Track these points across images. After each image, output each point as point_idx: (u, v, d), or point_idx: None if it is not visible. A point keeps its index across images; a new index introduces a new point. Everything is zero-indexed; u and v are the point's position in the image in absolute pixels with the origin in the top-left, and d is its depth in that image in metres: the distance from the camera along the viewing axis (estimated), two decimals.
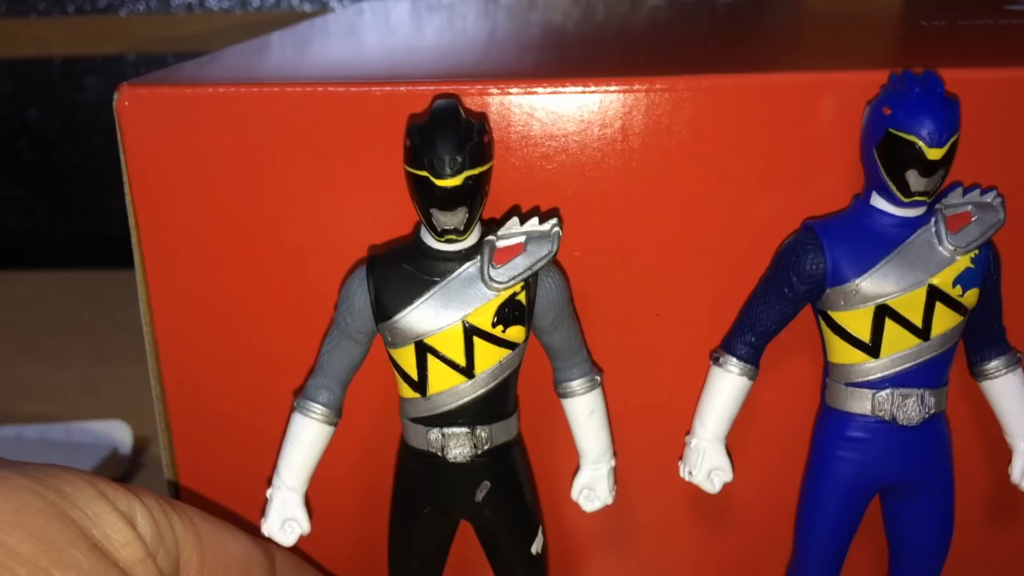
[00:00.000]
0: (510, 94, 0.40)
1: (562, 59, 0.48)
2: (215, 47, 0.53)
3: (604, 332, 0.42)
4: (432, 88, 0.39)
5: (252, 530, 0.39)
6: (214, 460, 0.45)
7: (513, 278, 0.37)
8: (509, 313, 0.38)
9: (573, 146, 0.40)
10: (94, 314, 0.92)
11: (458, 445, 0.39)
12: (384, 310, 0.38)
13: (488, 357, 0.38)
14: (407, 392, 0.39)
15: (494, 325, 0.37)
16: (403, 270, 0.38)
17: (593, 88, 0.40)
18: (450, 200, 0.35)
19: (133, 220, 0.42)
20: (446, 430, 0.39)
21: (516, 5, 0.74)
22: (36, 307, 0.96)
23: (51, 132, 1.12)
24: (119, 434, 0.66)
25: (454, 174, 0.35)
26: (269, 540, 0.40)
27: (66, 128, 1.12)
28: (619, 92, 0.40)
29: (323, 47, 0.53)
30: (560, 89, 0.40)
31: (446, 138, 0.35)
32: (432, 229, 0.36)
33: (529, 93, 0.40)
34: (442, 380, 0.38)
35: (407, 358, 0.38)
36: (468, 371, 0.38)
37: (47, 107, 1.11)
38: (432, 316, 0.37)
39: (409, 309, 0.37)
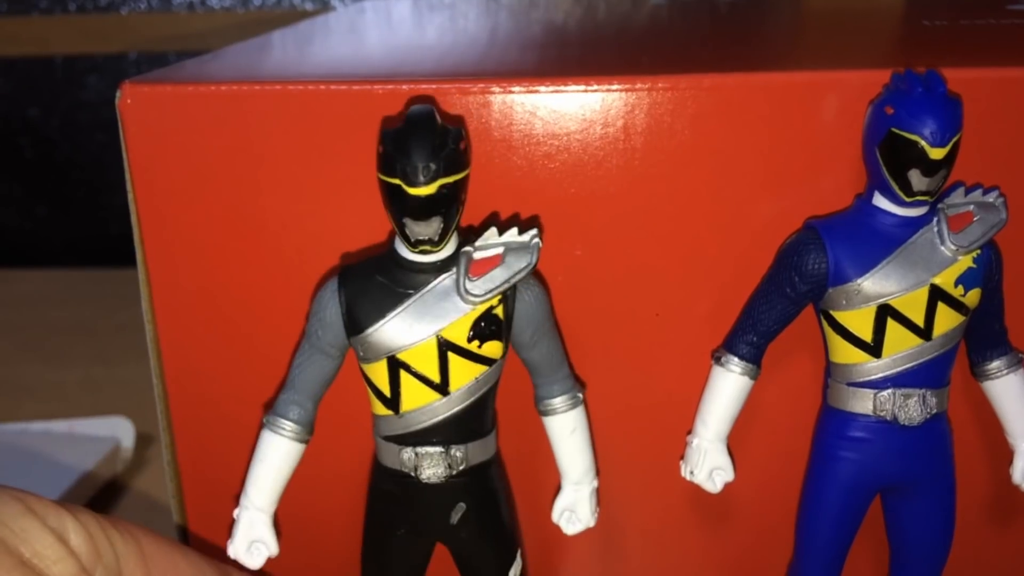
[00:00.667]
0: (512, 93, 0.40)
1: (564, 58, 0.48)
2: (217, 45, 0.54)
3: (605, 332, 0.42)
4: (434, 87, 0.39)
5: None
6: (216, 458, 0.45)
7: (490, 291, 0.35)
8: (486, 328, 0.36)
9: (575, 145, 0.40)
10: (95, 313, 0.92)
11: (431, 465, 0.37)
12: (356, 323, 0.36)
13: (464, 374, 0.36)
14: (380, 409, 0.38)
15: (469, 340, 0.36)
16: (376, 282, 0.36)
17: (595, 87, 0.40)
18: (423, 209, 0.34)
19: (135, 218, 0.42)
20: (419, 449, 0.37)
21: (518, 4, 0.74)
22: (37, 306, 0.97)
23: (52, 131, 1.12)
24: (121, 431, 0.66)
25: (428, 182, 0.33)
26: (230, 562, 0.38)
27: (67, 127, 1.12)
28: (621, 91, 0.40)
29: (325, 45, 0.53)
30: (562, 88, 0.40)
31: (420, 144, 0.33)
32: (405, 239, 0.35)
33: (531, 92, 0.40)
34: (416, 397, 0.37)
35: (379, 374, 0.37)
36: (443, 388, 0.36)
37: (48, 106, 1.11)
38: (405, 330, 0.36)
39: (381, 323, 0.36)
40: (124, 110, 0.40)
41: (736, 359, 0.40)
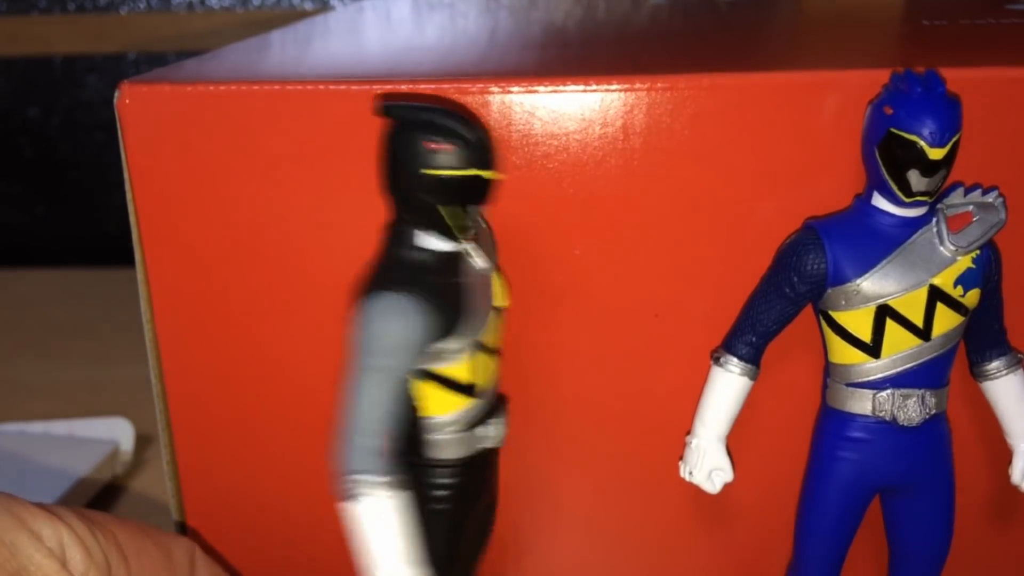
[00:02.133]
0: (511, 93, 0.39)
1: (563, 58, 0.48)
2: (216, 45, 0.53)
3: (604, 332, 0.42)
4: (433, 87, 0.39)
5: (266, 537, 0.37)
6: (215, 458, 0.45)
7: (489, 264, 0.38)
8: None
9: (574, 145, 0.40)
10: (95, 313, 0.92)
11: (503, 427, 0.39)
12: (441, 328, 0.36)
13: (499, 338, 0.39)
14: (451, 406, 0.37)
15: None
16: (444, 281, 0.36)
17: (594, 87, 0.39)
18: (487, 193, 0.36)
19: (134, 218, 0.42)
20: (494, 420, 0.39)
21: (517, 4, 0.74)
22: (37, 306, 0.97)
23: (52, 130, 1.12)
24: (121, 431, 0.66)
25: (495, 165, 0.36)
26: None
27: (67, 126, 1.12)
28: (620, 91, 0.40)
29: (324, 45, 0.53)
30: (561, 88, 0.40)
31: (485, 134, 0.35)
32: (458, 230, 0.36)
33: (530, 92, 0.40)
34: (487, 375, 0.38)
35: (461, 367, 0.37)
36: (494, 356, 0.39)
37: (48, 105, 1.11)
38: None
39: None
40: (123, 110, 0.40)
41: (735, 359, 0.40)
